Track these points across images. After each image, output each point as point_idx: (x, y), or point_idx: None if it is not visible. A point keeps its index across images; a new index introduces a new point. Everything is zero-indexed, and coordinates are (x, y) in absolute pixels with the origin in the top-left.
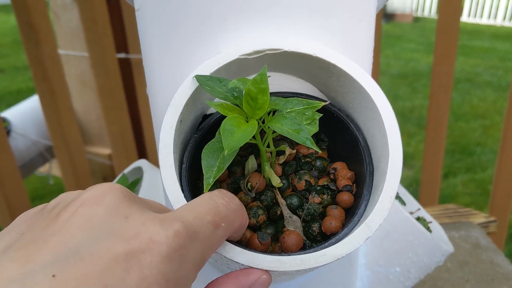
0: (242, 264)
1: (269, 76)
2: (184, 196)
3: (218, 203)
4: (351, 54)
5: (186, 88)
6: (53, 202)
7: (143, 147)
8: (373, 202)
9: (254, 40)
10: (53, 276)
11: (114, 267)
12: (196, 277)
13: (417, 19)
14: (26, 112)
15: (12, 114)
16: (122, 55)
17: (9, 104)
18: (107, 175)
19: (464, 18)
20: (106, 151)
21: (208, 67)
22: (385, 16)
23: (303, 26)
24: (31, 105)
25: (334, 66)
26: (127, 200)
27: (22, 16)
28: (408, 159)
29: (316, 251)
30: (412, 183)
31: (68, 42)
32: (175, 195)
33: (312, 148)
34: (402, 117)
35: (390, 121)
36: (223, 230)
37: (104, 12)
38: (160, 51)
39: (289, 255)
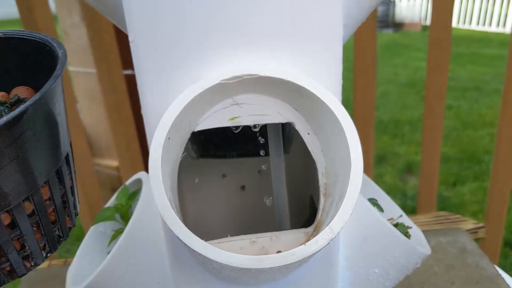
0: (220, 263)
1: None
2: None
3: None
4: (321, 77)
5: (173, 110)
6: None
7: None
8: (337, 208)
9: (235, 66)
10: None
11: None
12: None
13: (425, 28)
14: None
15: None
16: (128, 72)
17: None
18: (115, 186)
19: (473, 26)
20: (114, 163)
21: (193, 91)
22: (393, 25)
23: (279, 53)
24: None
25: (304, 88)
26: None
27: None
28: (416, 168)
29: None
30: None
31: (78, 59)
32: (162, 204)
33: None
34: (410, 126)
35: (352, 136)
36: None
37: (110, 31)
38: (152, 77)
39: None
